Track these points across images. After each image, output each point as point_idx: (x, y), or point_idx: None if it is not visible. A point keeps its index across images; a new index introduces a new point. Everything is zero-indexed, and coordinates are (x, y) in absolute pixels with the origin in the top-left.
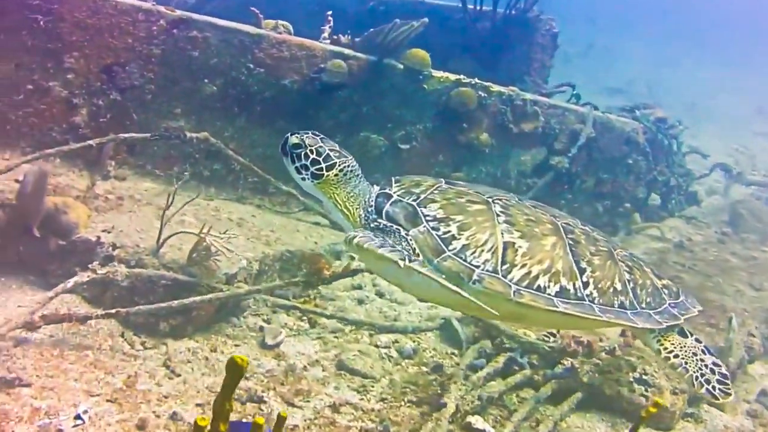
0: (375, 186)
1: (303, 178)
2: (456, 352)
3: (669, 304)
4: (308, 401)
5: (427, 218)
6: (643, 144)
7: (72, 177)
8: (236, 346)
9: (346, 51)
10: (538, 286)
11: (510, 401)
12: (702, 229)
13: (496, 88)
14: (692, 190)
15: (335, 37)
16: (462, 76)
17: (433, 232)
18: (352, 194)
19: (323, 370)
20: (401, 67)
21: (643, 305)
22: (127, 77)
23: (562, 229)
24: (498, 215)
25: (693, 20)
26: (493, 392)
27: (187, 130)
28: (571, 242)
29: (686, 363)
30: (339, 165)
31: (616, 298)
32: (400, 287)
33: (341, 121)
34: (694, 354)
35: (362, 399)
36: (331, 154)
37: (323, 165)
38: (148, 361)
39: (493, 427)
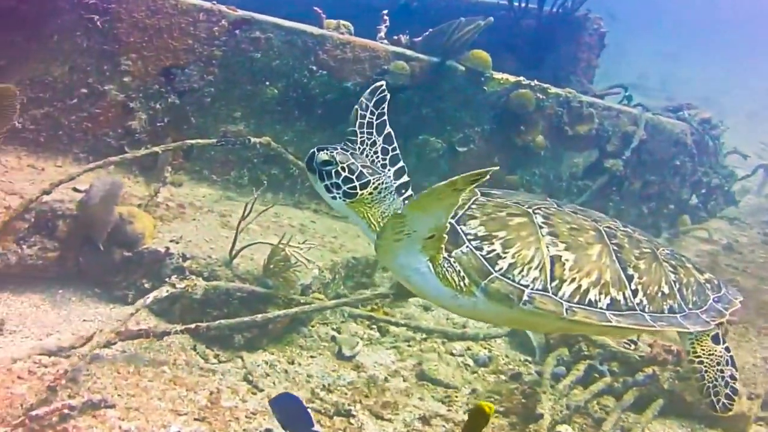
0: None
1: (334, 197)
2: (529, 359)
3: (713, 300)
4: (397, 414)
5: (468, 237)
6: (690, 145)
7: (129, 184)
8: (312, 357)
9: (408, 52)
10: (589, 300)
11: (592, 409)
12: (745, 230)
13: (553, 90)
14: (731, 190)
15: (395, 37)
16: (522, 78)
17: (477, 252)
18: (386, 213)
19: (404, 381)
20: (463, 68)
21: (690, 305)
22: (186, 80)
23: (605, 234)
24: (541, 227)
25: (697, 18)
26: (579, 401)
27: (246, 134)
28: (615, 248)
29: (706, 371)
30: (373, 183)
31: (665, 303)
32: (443, 308)
33: (401, 124)
34: (718, 364)
35: (449, 410)
36: (365, 171)
37: (357, 183)
38: (227, 375)
39: None
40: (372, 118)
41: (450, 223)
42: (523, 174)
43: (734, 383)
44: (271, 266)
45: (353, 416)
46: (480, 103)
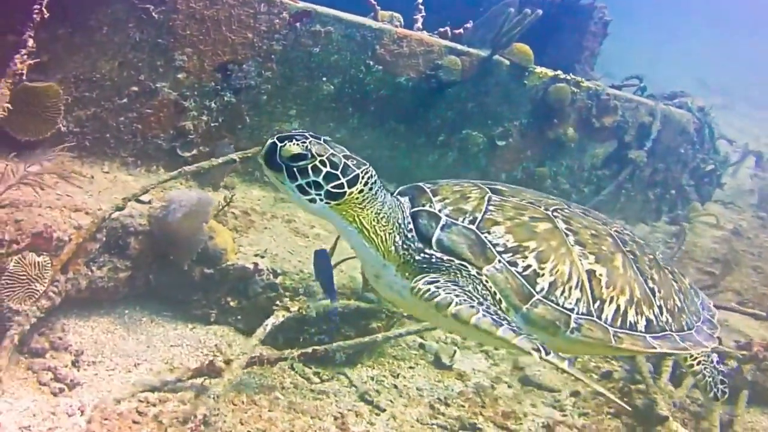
0: (402, 198)
1: (312, 200)
2: (608, 356)
3: (700, 306)
4: (520, 423)
5: (498, 249)
6: (692, 133)
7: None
8: (411, 368)
9: (460, 47)
10: (629, 323)
11: (685, 403)
12: (741, 213)
13: (585, 83)
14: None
15: (442, 29)
16: (559, 72)
17: (512, 269)
18: (381, 214)
19: (509, 387)
20: (507, 63)
21: (694, 317)
22: (243, 76)
23: (618, 240)
24: (566, 234)
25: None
26: (680, 397)
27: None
28: (632, 256)
29: (705, 369)
30: (362, 177)
31: (681, 318)
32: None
33: (447, 119)
34: (711, 361)
35: (564, 415)
36: (350, 163)
37: (343, 180)
38: (341, 396)
39: None
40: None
41: (470, 230)
42: (551, 165)
43: (722, 369)
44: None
45: (480, 430)
46: (520, 97)
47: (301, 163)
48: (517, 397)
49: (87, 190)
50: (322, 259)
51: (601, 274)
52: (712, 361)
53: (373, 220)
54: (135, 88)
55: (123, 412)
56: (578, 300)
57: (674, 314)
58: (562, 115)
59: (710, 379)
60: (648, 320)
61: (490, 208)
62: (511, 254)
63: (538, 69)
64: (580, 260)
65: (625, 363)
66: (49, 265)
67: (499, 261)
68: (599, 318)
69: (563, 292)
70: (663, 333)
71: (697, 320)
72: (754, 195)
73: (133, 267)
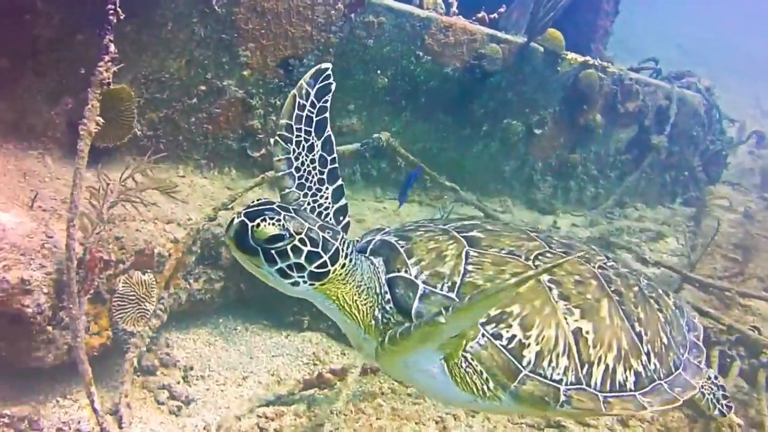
0: (375, 260)
1: (295, 283)
2: None
3: (686, 329)
4: (598, 419)
5: (480, 319)
6: (702, 115)
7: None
8: None
9: (500, 34)
10: (618, 383)
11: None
12: (746, 194)
13: (611, 68)
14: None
15: (479, 15)
16: (588, 58)
17: (497, 343)
18: (362, 287)
19: None
20: (542, 49)
21: (681, 350)
22: (304, 71)
23: (603, 280)
24: (550, 288)
25: None
26: (728, 386)
27: (358, 127)
28: (617, 298)
29: (702, 388)
30: (342, 249)
31: (669, 359)
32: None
33: (489, 109)
34: (708, 377)
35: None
36: (327, 236)
37: (326, 258)
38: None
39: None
40: (312, 113)
41: (451, 300)
42: (581, 152)
43: (720, 382)
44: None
45: (564, 427)
46: (553, 84)
47: (279, 244)
48: None
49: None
50: (414, 173)
51: (587, 332)
52: (709, 378)
53: (355, 294)
54: (203, 87)
55: (247, 430)
56: (566, 368)
57: (662, 356)
58: (591, 101)
59: (710, 396)
60: (637, 374)
61: (469, 268)
62: (494, 325)
63: (570, 55)
64: (566, 318)
65: None
66: (154, 282)
67: (483, 335)
68: (588, 385)
69: (550, 361)
70: (652, 385)
71: (684, 351)
72: (755, 174)
73: (226, 277)
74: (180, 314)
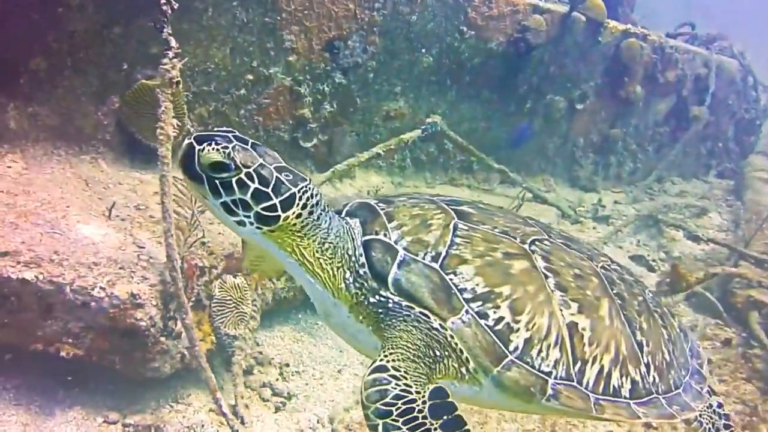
0: (351, 221)
1: (240, 222)
2: (719, 321)
3: (689, 353)
4: None
5: (465, 295)
6: (738, 83)
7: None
8: None
9: (542, 4)
10: (613, 387)
11: None
12: None
13: (651, 35)
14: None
15: None
16: (629, 26)
17: (482, 322)
18: (326, 244)
19: None
20: (584, 19)
21: (682, 371)
22: (350, 54)
23: (605, 280)
24: (546, 275)
25: None
26: None
27: (405, 110)
28: (619, 301)
29: (701, 416)
30: (300, 197)
31: (669, 375)
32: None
33: (533, 85)
34: (710, 405)
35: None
36: (283, 178)
37: (276, 201)
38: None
39: None
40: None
41: (433, 269)
42: (622, 126)
43: (723, 409)
44: None
45: None
46: (594, 55)
47: (224, 174)
48: None
49: None
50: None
51: (584, 328)
52: (710, 406)
53: (317, 251)
54: (250, 77)
55: (361, 421)
56: (557, 361)
57: (662, 372)
58: (632, 72)
59: (708, 426)
60: (633, 382)
61: (456, 240)
62: (480, 303)
63: (611, 23)
64: (561, 310)
65: (742, 330)
66: (247, 285)
67: (467, 311)
68: (580, 383)
69: (540, 351)
70: (649, 398)
71: (686, 374)
72: None
73: None
74: (265, 313)
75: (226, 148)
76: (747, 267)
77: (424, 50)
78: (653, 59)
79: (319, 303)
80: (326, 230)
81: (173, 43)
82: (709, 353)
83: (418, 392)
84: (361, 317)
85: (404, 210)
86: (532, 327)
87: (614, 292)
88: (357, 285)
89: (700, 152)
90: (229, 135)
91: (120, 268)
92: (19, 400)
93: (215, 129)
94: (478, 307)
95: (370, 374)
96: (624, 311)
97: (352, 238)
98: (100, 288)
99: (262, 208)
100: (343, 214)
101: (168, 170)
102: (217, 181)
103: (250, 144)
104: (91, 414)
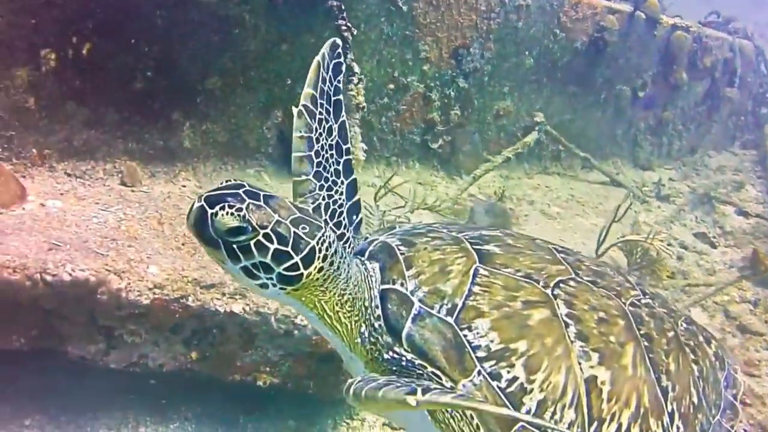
0: (371, 265)
1: (263, 285)
2: None
3: (724, 384)
4: (759, 369)
5: (479, 354)
6: (754, 61)
7: (437, 180)
8: None
9: (613, 5)
10: None
11: None
12: None
13: (693, 27)
14: None
15: None
16: (676, 19)
17: (494, 384)
18: (346, 296)
19: (734, 337)
20: (644, 16)
21: (713, 410)
22: (471, 60)
23: (632, 320)
24: (567, 324)
25: None
26: None
27: (511, 107)
28: (646, 343)
29: None
30: (320, 249)
31: (697, 421)
32: None
33: (606, 77)
34: None
35: None
36: (301, 232)
37: (297, 259)
38: None
39: None
40: (330, 89)
41: (447, 323)
42: (671, 109)
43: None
44: (637, 259)
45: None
46: (651, 48)
47: (241, 238)
48: (744, 345)
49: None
50: None
51: (603, 382)
52: None
53: (336, 304)
54: (391, 86)
55: None
56: (572, 423)
57: (687, 418)
58: (679, 60)
59: None
60: None
61: (475, 289)
62: (494, 362)
63: (664, 18)
64: (580, 363)
65: None
66: None
67: (479, 372)
68: None
69: (554, 413)
70: None
71: (716, 412)
72: None
73: None
74: None
75: (241, 210)
76: None
77: (527, 53)
78: (694, 48)
79: (341, 353)
80: (345, 280)
81: (356, 69)
82: None
83: None
84: (376, 374)
85: (425, 255)
86: (547, 387)
87: (641, 332)
88: (372, 340)
89: (728, 127)
90: (240, 192)
91: None
92: (200, 429)
93: (224, 183)
94: (491, 367)
95: None
96: (650, 354)
97: (370, 287)
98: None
99: (284, 269)
100: (366, 256)
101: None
102: (234, 246)
103: (262, 198)
104: None
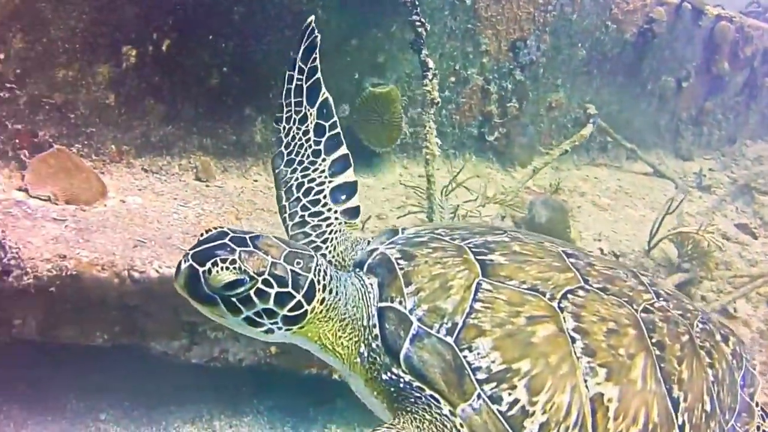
0: (369, 281)
1: (268, 330)
2: None
3: (741, 383)
4: None
5: (479, 376)
6: None
7: (492, 173)
8: None
9: None
10: None
11: None
12: None
13: (736, 17)
14: None
15: None
16: (720, 10)
17: (494, 408)
18: (345, 320)
19: None
20: (690, 7)
21: (727, 415)
22: (528, 52)
23: (644, 328)
24: (573, 339)
25: None
26: None
27: (563, 99)
28: (657, 352)
29: None
30: (318, 281)
31: (709, 429)
32: None
33: (653, 68)
34: None
35: None
36: (297, 268)
37: (299, 297)
38: None
39: None
40: (301, 80)
41: (447, 344)
42: (713, 99)
43: None
44: (688, 251)
45: None
46: (696, 38)
47: (239, 290)
48: None
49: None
50: None
51: (610, 399)
52: None
53: (338, 330)
54: (452, 79)
55: None
56: None
57: (700, 429)
58: (721, 50)
59: None
60: None
61: (477, 306)
62: (495, 384)
63: (709, 9)
64: (586, 380)
65: None
66: None
67: (479, 396)
68: None
69: None
70: None
71: (731, 416)
72: None
73: None
74: None
75: (234, 261)
76: None
77: (579, 44)
78: (736, 38)
79: (340, 370)
80: (345, 303)
81: (431, 64)
82: None
83: None
84: (375, 393)
85: (425, 269)
86: (550, 408)
87: (653, 341)
88: (371, 359)
89: (765, 116)
90: (226, 241)
91: None
92: (273, 422)
93: (205, 234)
94: (491, 389)
95: None
96: (662, 364)
97: (367, 305)
98: None
99: (289, 310)
100: (365, 269)
101: (434, 189)
102: (233, 299)
103: (249, 241)
104: (345, 429)
